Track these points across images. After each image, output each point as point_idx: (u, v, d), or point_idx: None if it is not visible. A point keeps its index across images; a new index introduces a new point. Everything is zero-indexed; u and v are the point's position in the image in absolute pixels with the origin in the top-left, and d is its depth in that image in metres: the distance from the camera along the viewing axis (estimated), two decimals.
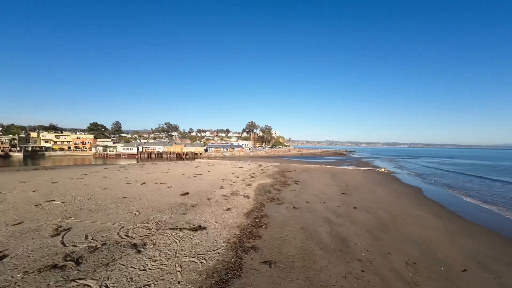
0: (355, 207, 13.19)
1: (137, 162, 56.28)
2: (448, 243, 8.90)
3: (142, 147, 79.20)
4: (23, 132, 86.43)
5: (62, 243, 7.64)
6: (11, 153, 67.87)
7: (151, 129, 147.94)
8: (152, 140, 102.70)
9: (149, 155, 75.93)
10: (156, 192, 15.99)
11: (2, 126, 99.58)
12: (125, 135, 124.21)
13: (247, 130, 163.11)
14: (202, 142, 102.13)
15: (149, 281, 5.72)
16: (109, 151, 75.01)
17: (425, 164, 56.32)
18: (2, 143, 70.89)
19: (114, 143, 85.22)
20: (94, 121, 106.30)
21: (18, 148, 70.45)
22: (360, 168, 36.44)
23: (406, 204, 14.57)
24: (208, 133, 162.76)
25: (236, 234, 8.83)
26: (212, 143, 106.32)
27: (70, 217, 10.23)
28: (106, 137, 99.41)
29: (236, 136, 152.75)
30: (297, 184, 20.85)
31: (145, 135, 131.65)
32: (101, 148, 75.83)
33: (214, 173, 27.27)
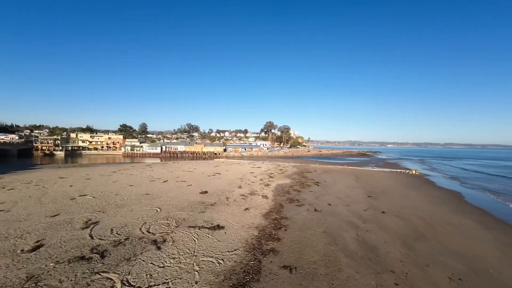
0: (383, 212, 12.08)
1: (161, 161, 59.23)
2: (502, 258, 7.60)
3: (165, 147, 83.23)
4: (65, 133, 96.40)
5: (90, 235, 8.05)
6: (55, 152, 76.21)
7: (174, 129, 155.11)
8: (175, 140, 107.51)
9: (172, 154, 79.52)
10: (177, 190, 16.43)
11: (48, 128, 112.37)
12: (151, 135, 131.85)
13: (265, 130, 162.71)
14: (221, 142, 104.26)
15: (167, 279, 5.67)
16: (136, 150, 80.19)
17: (463, 166, 50.64)
18: (48, 143, 79.95)
19: (140, 143, 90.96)
20: (124, 123, 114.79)
21: (60, 148, 78.82)
22: (387, 170, 33.88)
23: (445, 211, 12.98)
24: (227, 133, 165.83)
25: (254, 235, 8.53)
26: (230, 143, 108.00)
27: (99, 212, 10.85)
28: (133, 137, 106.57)
29: (254, 136, 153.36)
30: (317, 185, 19.94)
31: (168, 136, 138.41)
32: (129, 148, 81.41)
33: (232, 173, 27.42)
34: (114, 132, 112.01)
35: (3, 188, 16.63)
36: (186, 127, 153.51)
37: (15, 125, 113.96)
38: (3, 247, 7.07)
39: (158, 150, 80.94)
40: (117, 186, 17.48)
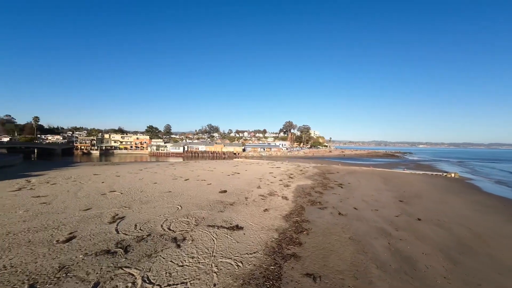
0: (419, 219, 10.82)
1: (183, 160, 61.72)
2: None
3: (187, 147, 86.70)
4: (100, 134, 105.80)
5: (116, 230, 8.40)
6: (91, 151, 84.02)
7: (195, 130, 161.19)
8: (196, 141, 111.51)
9: (193, 154, 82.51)
10: (197, 188, 16.71)
11: (87, 130, 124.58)
12: (174, 136, 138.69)
13: (284, 130, 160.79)
14: (240, 142, 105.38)
15: (186, 279, 5.57)
16: (161, 150, 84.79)
17: None
18: (86, 143, 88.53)
19: (165, 143, 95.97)
20: (150, 124, 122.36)
21: (96, 147, 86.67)
22: (420, 172, 30.86)
23: (496, 220, 11.20)
24: (246, 134, 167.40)
25: (274, 238, 8.15)
26: (249, 143, 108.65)
27: (125, 207, 11.38)
28: (159, 138, 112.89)
29: (273, 136, 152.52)
30: (341, 187, 18.81)
31: (190, 136, 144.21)
32: (154, 148, 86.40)
33: (251, 172, 27.28)
34: (142, 133, 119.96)
35: (48, 182, 18.52)
36: (207, 128, 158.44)
37: (60, 127, 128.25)
38: (42, 237, 7.68)
39: (181, 149, 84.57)
40: (143, 184, 18.39)
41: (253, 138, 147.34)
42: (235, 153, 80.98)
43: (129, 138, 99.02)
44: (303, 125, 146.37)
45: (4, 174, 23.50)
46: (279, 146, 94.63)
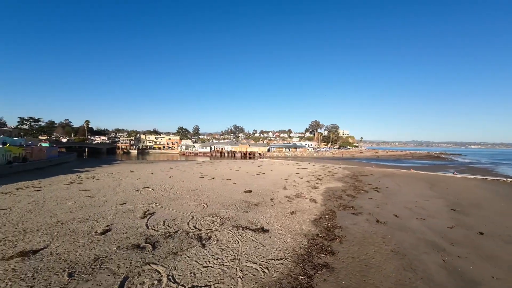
0: (481, 233, 8.97)
1: (210, 159, 63.95)
2: None
3: (214, 147, 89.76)
4: (137, 135, 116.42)
5: (146, 225, 8.70)
6: (130, 150, 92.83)
7: (222, 131, 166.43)
8: (222, 141, 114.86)
9: (219, 154, 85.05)
10: (223, 187, 16.80)
11: (127, 131, 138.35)
12: (202, 136, 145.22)
13: (310, 130, 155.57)
14: (264, 143, 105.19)
15: (210, 282, 5.33)
16: (190, 149, 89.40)
17: None
18: (125, 144, 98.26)
19: (193, 143, 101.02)
20: (180, 126, 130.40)
21: (134, 147, 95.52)
22: (476, 177, 26.40)
23: None
24: (270, 134, 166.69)
25: (303, 244, 7.50)
26: (274, 143, 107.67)
27: (156, 203, 11.89)
28: (188, 138, 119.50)
29: (298, 136, 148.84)
30: (377, 191, 17.01)
31: (216, 136, 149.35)
32: (184, 147, 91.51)
33: (276, 173, 26.66)
34: (173, 134, 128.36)
35: (93, 178, 20.68)
36: (232, 128, 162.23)
37: (106, 129, 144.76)
38: (84, 228, 8.34)
39: (208, 149, 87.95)
40: (172, 181, 19.26)
41: (277, 138, 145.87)
42: (259, 153, 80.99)
43: (162, 138, 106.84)
44: (331, 124, 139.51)
45: (62, 169, 27.15)
46: (305, 146, 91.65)
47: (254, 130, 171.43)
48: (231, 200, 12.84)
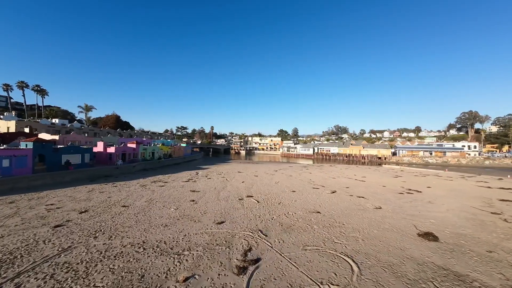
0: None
1: (313, 162, 57.23)
2: None
3: (317, 148, 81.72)
4: (246, 138, 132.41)
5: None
6: (240, 151, 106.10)
7: (322, 131, 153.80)
8: (326, 142, 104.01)
9: (323, 156, 75.85)
10: (359, 213, 9.97)
11: (238, 135, 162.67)
12: (301, 138, 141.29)
13: (459, 126, 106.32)
14: (386, 144, 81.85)
15: None
16: (291, 151, 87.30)
17: None
18: (237, 145, 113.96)
19: (294, 144, 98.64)
20: (281, 128, 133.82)
21: (243, 148, 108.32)
22: None
23: None
24: (386, 133, 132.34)
25: None
26: (398, 144, 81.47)
27: (261, 233, 7.46)
28: (288, 140, 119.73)
29: (433, 136, 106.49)
30: None
31: (316, 138, 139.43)
32: (285, 149, 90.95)
33: (449, 193, 15.48)
34: (274, 136, 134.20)
35: (206, 176, 20.92)
36: (334, 129, 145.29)
37: (224, 134, 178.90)
38: (165, 265, 5.05)
39: (310, 151, 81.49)
40: (279, 189, 14.98)
41: (397, 139, 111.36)
42: (379, 157, 63.04)
43: (265, 140, 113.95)
44: (508, 114, 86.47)
45: (189, 166, 31.73)
46: (463, 149, 60.82)
47: (361, 130, 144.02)
48: (400, 251, 5.89)
